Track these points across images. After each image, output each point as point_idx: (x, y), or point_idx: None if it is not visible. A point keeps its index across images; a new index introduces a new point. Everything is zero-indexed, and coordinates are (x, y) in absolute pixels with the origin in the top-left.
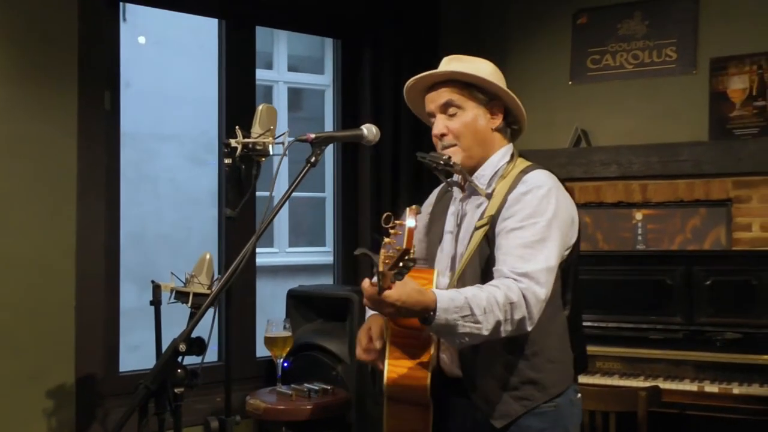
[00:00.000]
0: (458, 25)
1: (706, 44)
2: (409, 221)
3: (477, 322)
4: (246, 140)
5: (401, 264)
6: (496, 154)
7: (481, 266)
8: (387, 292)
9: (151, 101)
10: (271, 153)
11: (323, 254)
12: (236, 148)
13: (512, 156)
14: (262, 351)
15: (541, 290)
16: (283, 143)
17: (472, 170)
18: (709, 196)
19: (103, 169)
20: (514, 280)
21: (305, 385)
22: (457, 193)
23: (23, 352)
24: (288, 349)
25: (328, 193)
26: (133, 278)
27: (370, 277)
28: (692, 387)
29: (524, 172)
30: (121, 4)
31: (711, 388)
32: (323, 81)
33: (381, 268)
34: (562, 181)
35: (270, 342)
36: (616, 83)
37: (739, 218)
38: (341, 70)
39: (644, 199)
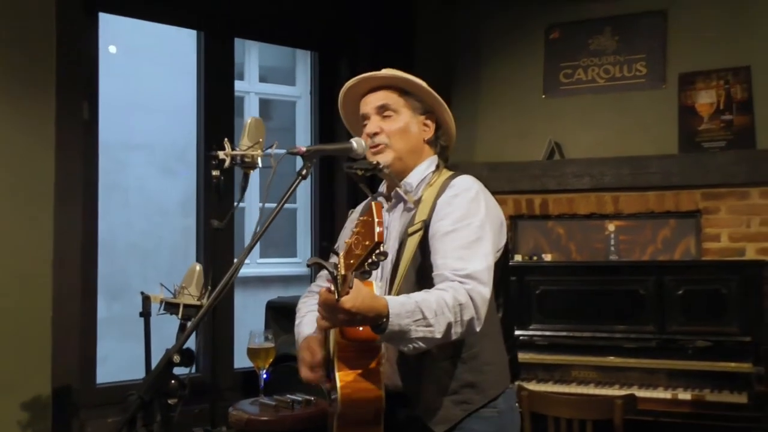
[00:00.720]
0: (433, 38)
1: (674, 60)
2: (377, 218)
3: (429, 325)
4: (235, 152)
5: (372, 259)
6: (423, 163)
7: (416, 271)
8: (343, 299)
9: (120, 111)
10: (259, 165)
11: (294, 265)
12: (224, 159)
13: (438, 166)
14: (239, 362)
15: (485, 289)
16: (271, 155)
17: (399, 177)
18: (679, 208)
19: (81, 179)
20: (460, 282)
21: (288, 396)
22: (383, 204)
23: None
24: (271, 360)
25: (300, 204)
26: (100, 288)
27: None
28: (666, 395)
29: (451, 178)
30: None
31: (684, 395)
32: (294, 92)
33: (343, 271)
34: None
35: (253, 353)
36: (588, 97)
37: (708, 229)
38: (318, 81)
39: (616, 210)
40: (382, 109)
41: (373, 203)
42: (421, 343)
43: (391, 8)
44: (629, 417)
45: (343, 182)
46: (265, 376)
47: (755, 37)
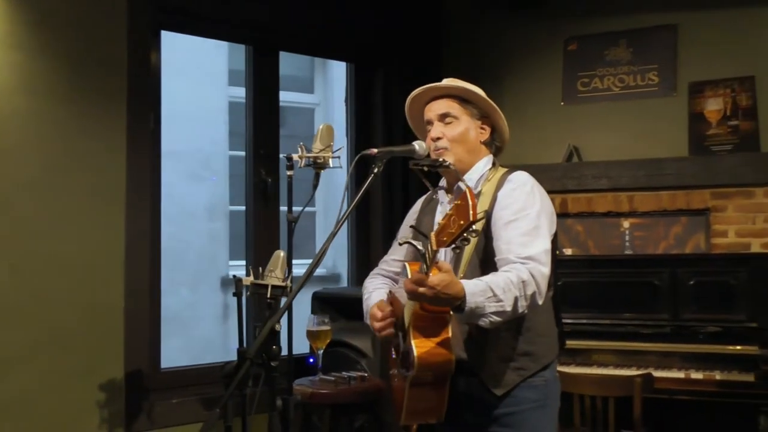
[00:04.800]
0: (459, 51)
1: (684, 70)
2: (471, 201)
3: (500, 300)
4: (309, 155)
5: (464, 236)
6: (481, 162)
7: (479, 256)
8: (430, 279)
9: None
10: (330, 166)
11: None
12: (297, 161)
13: (494, 163)
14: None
15: (544, 268)
16: (339, 157)
17: (460, 174)
18: (690, 206)
19: (148, 183)
20: (522, 263)
21: (344, 373)
22: (443, 197)
23: (78, 349)
24: (328, 341)
25: (318, 208)
26: None
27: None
28: (680, 375)
29: (507, 173)
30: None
31: (696, 375)
32: (313, 99)
33: (435, 247)
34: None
35: (312, 335)
36: (605, 104)
37: (717, 226)
38: (354, 91)
39: (631, 209)
40: (444, 117)
41: (465, 188)
42: (495, 317)
43: (422, 24)
44: (647, 395)
45: (378, 187)
46: (311, 360)
47: (759, 49)
